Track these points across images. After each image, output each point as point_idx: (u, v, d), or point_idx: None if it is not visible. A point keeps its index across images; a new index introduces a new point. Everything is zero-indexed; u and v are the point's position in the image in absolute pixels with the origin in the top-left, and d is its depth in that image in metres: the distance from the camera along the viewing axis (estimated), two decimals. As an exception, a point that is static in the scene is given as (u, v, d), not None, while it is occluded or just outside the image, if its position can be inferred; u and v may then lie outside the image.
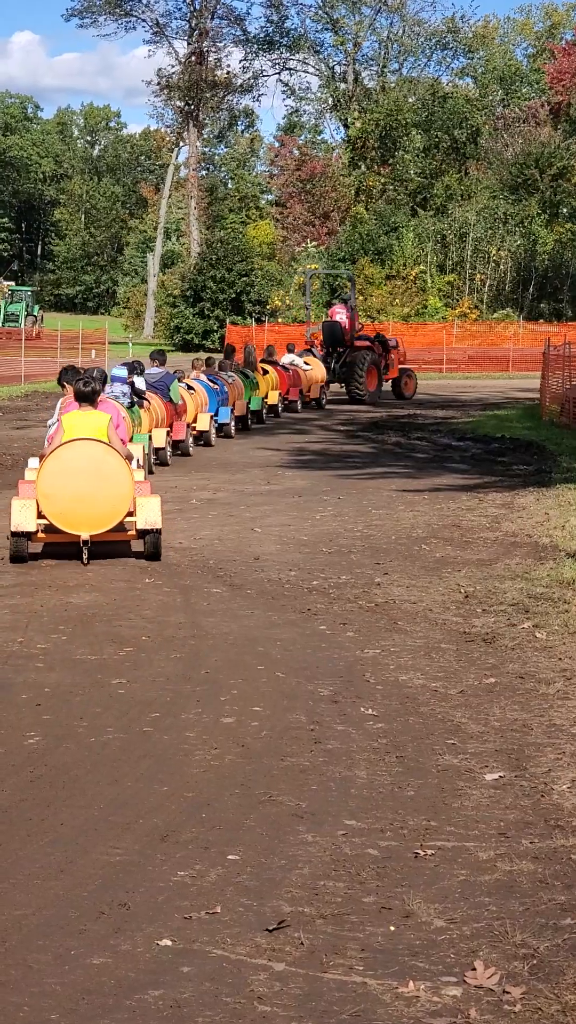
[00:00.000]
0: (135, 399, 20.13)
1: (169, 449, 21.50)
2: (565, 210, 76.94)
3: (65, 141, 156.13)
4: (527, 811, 6.38)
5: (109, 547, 13.26)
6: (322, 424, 29.28)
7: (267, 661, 9.13)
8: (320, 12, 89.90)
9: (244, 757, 7.12)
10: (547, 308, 71.87)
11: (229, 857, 5.82)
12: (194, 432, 24.03)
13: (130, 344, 66.02)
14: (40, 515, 12.76)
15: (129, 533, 13.13)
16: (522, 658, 9.16)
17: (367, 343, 38.48)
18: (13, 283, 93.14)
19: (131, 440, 17.29)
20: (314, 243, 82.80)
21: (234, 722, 7.74)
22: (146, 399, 21.11)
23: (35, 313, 76.64)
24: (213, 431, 24.79)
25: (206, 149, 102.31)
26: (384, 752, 7.23)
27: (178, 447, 22.63)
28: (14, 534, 12.72)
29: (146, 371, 22.10)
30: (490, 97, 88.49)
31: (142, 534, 12.98)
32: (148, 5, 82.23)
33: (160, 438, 20.68)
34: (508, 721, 7.77)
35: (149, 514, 12.81)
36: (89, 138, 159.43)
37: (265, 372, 30.96)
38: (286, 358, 34.75)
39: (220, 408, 25.83)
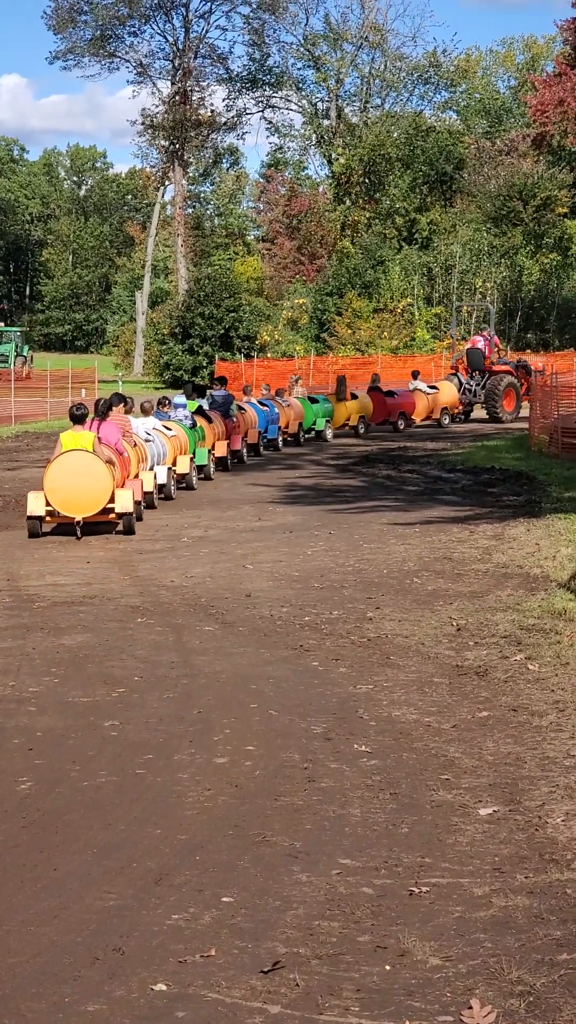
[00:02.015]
0: (194, 420, 25.26)
1: (212, 466, 25.44)
2: (549, 240, 77.22)
3: (52, 182, 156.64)
4: (521, 845, 6.37)
5: (96, 526, 17.76)
6: (314, 459, 29.31)
7: (260, 699, 9.12)
8: (302, 50, 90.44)
9: (237, 797, 7.11)
10: (534, 338, 72.06)
11: (223, 899, 5.80)
12: (247, 444, 29.50)
13: (120, 382, 66.13)
14: (47, 503, 17.35)
15: (111, 516, 17.66)
16: (515, 691, 9.15)
17: (508, 368, 41.93)
18: (2, 324, 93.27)
19: (192, 453, 24.01)
20: (302, 279, 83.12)
21: (227, 762, 7.72)
22: (212, 418, 26.88)
23: (24, 353, 76.67)
24: (261, 445, 30.74)
25: (192, 187, 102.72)
26: (378, 789, 7.22)
27: (235, 456, 27.73)
28: (30, 517, 17.40)
29: (213, 393, 28.78)
30: (473, 130, 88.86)
31: (120, 516, 17.63)
32: (131, 46, 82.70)
33: (184, 464, 23.36)
34: (502, 755, 7.76)
35: (124, 502, 17.57)
36: (76, 178, 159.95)
37: (355, 397, 37.18)
38: (412, 384, 40.47)
39: (269, 426, 31.73)
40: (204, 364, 65.90)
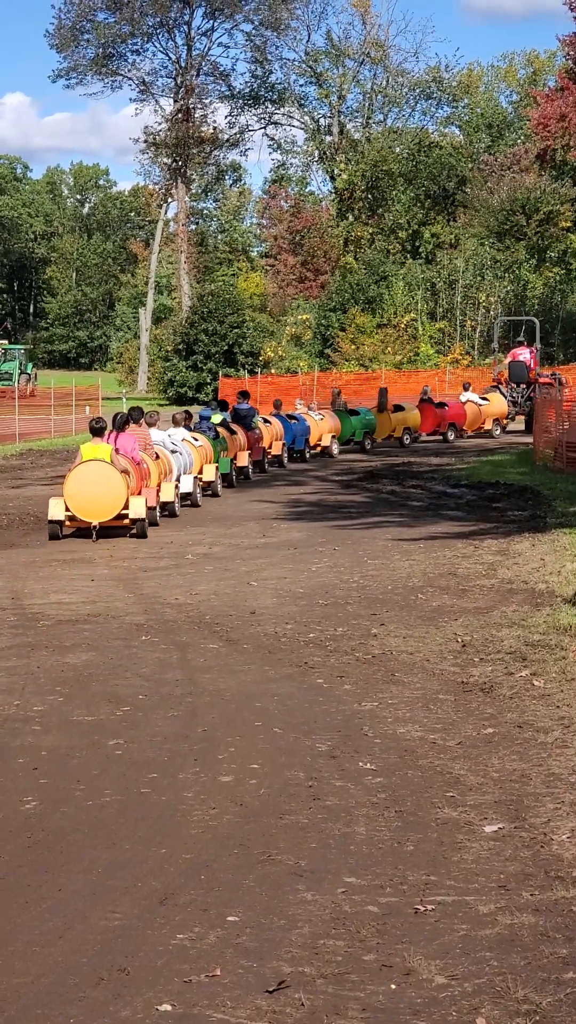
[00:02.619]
0: (217, 431, 26.74)
1: (231, 476, 26.85)
2: (552, 254, 77.30)
3: (55, 200, 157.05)
4: (527, 863, 6.36)
5: (111, 530, 19.08)
6: (318, 475, 29.32)
7: (264, 717, 9.11)
8: (304, 66, 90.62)
9: (242, 816, 7.10)
10: (538, 352, 72.05)
11: (228, 918, 5.79)
12: (269, 456, 31.01)
13: (124, 399, 66.19)
14: (67, 509, 18.82)
15: (124, 521, 18.98)
16: (520, 707, 9.14)
17: (550, 380, 42.36)
18: (6, 342, 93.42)
19: (215, 462, 25.37)
20: (305, 295, 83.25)
21: (232, 780, 7.71)
22: (235, 430, 28.30)
23: (29, 371, 76.81)
24: (285, 455, 31.96)
25: (195, 203, 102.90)
26: (383, 807, 7.21)
27: (257, 466, 29.42)
28: (51, 521, 18.90)
29: (236, 406, 30.07)
30: (476, 145, 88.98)
31: (133, 521, 18.97)
32: (134, 64, 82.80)
33: (210, 472, 24.86)
34: (507, 772, 7.75)
35: (137, 508, 18.94)
36: (79, 196, 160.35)
37: (401, 408, 38.78)
38: (463, 396, 41.31)
39: (297, 438, 33.08)
40: (208, 381, 65.96)
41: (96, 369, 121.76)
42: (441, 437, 39.15)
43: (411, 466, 30.68)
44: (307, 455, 33.73)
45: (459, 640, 11.36)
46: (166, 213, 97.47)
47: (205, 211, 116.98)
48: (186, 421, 25.93)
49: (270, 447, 31.24)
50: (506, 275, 74.73)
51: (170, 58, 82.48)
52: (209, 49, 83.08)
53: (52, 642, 11.84)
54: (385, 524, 19.88)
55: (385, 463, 31.70)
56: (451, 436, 39.11)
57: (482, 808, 7.15)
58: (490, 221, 78.18)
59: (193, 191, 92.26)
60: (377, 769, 7.87)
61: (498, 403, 42.22)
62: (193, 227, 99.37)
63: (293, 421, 33.62)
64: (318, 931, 5.66)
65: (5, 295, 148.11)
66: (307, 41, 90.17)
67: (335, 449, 35.17)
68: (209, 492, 24.44)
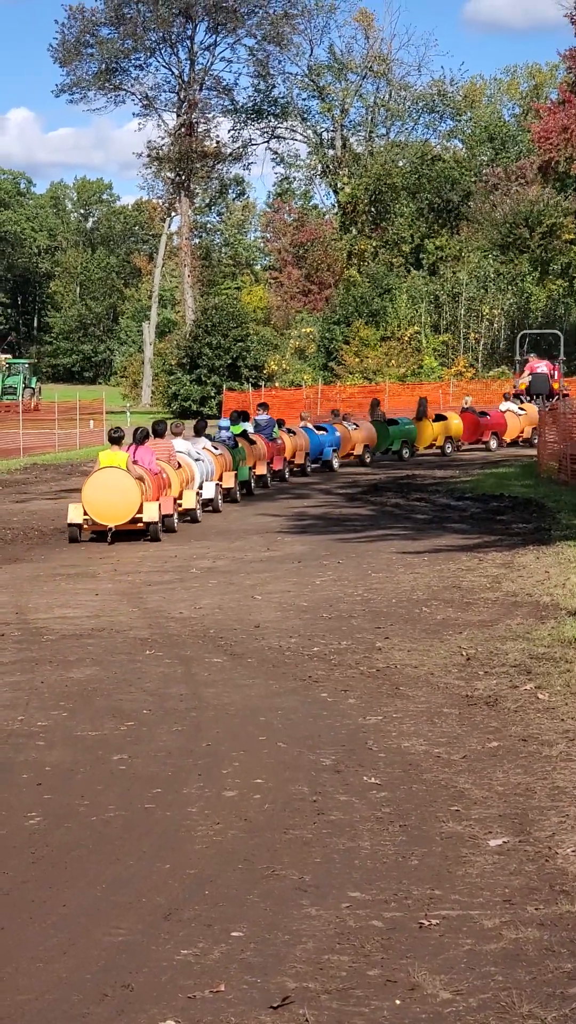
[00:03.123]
0: (236, 441, 27.86)
1: (256, 481, 28.59)
2: (556, 267, 77.34)
3: (59, 215, 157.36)
4: (532, 877, 6.35)
5: (126, 534, 20.21)
6: (322, 488, 29.31)
7: (268, 731, 9.10)
8: (307, 80, 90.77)
9: (247, 831, 7.09)
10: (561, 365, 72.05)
11: (233, 934, 5.78)
12: (295, 466, 32.31)
13: (128, 413, 66.26)
14: (85, 513, 20.07)
15: (139, 524, 20.13)
16: (525, 720, 9.13)
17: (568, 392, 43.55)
18: (10, 356, 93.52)
19: (234, 470, 26.52)
20: (309, 308, 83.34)
21: (236, 795, 7.71)
22: (254, 440, 29.38)
23: (33, 385, 76.89)
24: (309, 465, 33.11)
25: (198, 217, 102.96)
26: (387, 821, 7.20)
27: (276, 475, 30.50)
28: (70, 525, 20.18)
29: (256, 417, 31.73)
30: (479, 158, 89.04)
31: (147, 525, 20.15)
32: (137, 79, 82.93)
33: (230, 479, 26.09)
34: (511, 785, 7.74)
35: (150, 513, 20.11)
36: (82, 211, 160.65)
37: (442, 418, 39.25)
38: (503, 405, 41.69)
39: (324, 448, 34.09)
40: (212, 394, 66.02)
41: (100, 383, 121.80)
42: (483, 446, 39.58)
43: (415, 479, 30.68)
44: (334, 466, 34.31)
45: (463, 653, 11.35)
46: (170, 227, 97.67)
47: (209, 225, 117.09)
48: (202, 432, 26.80)
49: (293, 457, 32.30)
50: (509, 288, 74.77)
51: (173, 73, 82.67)
52: (212, 64, 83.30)
53: (56, 657, 11.84)
54: (389, 537, 19.87)
55: (389, 476, 31.69)
56: (493, 445, 39.47)
57: (487, 822, 7.14)
58: (493, 234, 78.25)
59: (197, 205, 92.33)
60: (381, 783, 7.86)
61: (534, 413, 42.02)
62: (197, 241, 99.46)
63: (322, 432, 34.67)
64: (322, 946, 5.65)
65: (9, 309, 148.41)
66: (310, 55, 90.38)
67: (367, 458, 35.78)
68: (229, 499, 25.79)
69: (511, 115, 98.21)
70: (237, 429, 29.22)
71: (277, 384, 68.14)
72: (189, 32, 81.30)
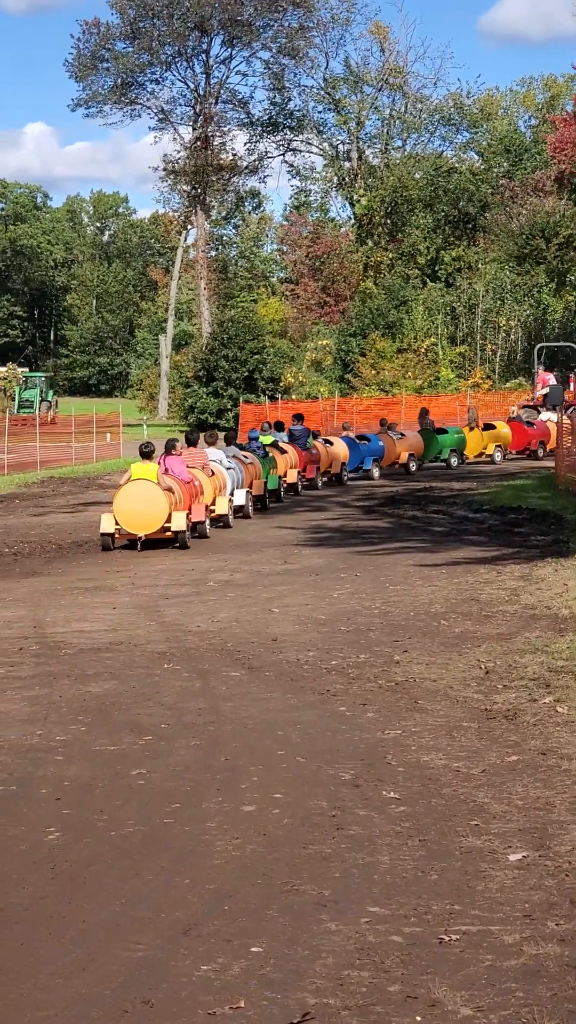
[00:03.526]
0: (266, 450, 29.14)
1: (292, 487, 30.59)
2: (573, 278, 77.24)
3: (75, 228, 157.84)
4: (552, 892, 6.32)
5: (155, 542, 21.02)
6: (339, 500, 29.30)
7: (287, 745, 9.09)
8: (322, 93, 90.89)
9: (266, 846, 7.08)
10: (559, 376, 72.00)
11: (252, 949, 5.77)
12: (330, 475, 33.72)
13: (145, 426, 66.27)
14: (116, 523, 20.94)
15: (167, 533, 21.05)
16: (544, 734, 9.11)
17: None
18: (27, 369, 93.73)
19: (264, 478, 27.74)
20: (325, 321, 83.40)
21: (255, 810, 7.69)
22: (284, 450, 30.82)
23: (50, 399, 77.02)
24: (346, 474, 34.26)
25: (215, 229, 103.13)
26: (407, 836, 7.18)
27: (309, 484, 31.88)
28: (103, 534, 21.07)
29: (291, 428, 33.06)
30: (495, 170, 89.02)
31: (175, 534, 21.05)
32: (153, 93, 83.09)
33: (258, 487, 27.22)
34: (531, 799, 7.71)
35: (178, 522, 21.00)
36: (99, 224, 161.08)
37: (491, 427, 40.35)
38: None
39: (365, 458, 35.37)
40: (228, 407, 66.05)
41: (117, 396, 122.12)
42: (531, 454, 40.68)
43: (432, 491, 30.65)
44: (374, 475, 35.39)
45: (482, 667, 11.33)
46: (186, 240, 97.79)
47: (225, 237, 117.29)
48: (232, 441, 28.04)
49: (329, 466, 33.68)
50: (526, 299, 74.70)
51: (189, 86, 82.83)
52: (227, 77, 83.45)
53: (74, 671, 11.84)
54: (407, 550, 19.85)
55: (406, 488, 31.68)
56: (540, 453, 40.33)
57: (506, 836, 7.12)
58: (510, 245, 78.20)
59: (213, 218, 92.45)
60: (401, 798, 7.85)
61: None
62: (213, 254, 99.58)
63: (364, 442, 35.99)
64: (342, 962, 5.64)
65: (26, 323, 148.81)
66: (325, 68, 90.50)
67: (412, 467, 36.91)
68: (259, 507, 26.98)
69: (527, 126, 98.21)
70: (267, 439, 30.61)
71: (293, 396, 68.14)
72: (204, 46, 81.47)
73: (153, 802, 7.90)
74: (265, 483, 27.69)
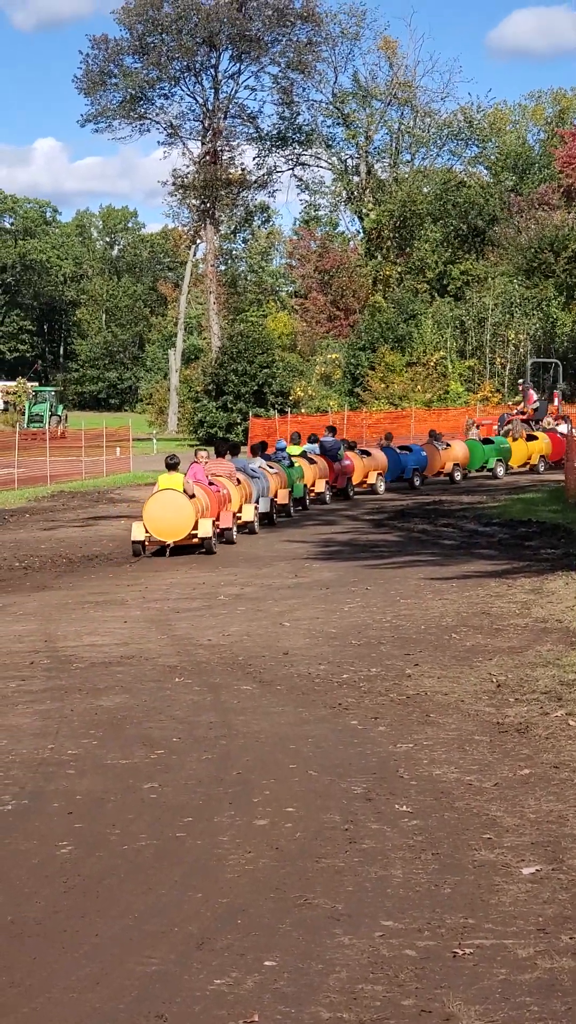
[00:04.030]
0: (292, 460, 30.40)
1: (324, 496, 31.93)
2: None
3: (84, 243, 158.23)
4: (566, 905, 6.31)
5: (183, 548, 22.13)
6: (349, 514, 29.30)
7: (299, 759, 9.08)
8: (331, 107, 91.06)
9: (278, 860, 7.07)
10: (568, 389, 71.98)
11: (266, 963, 5.76)
12: (365, 485, 34.70)
13: (154, 440, 66.41)
14: (146, 530, 22.06)
15: (194, 540, 22.16)
16: (556, 747, 9.09)
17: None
18: (37, 383, 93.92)
19: (289, 487, 28.97)
20: (334, 335, 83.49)
21: (267, 824, 7.68)
22: (313, 460, 32.06)
23: (59, 413, 77.15)
24: (381, 485, 35.07)
25: (224, 243, 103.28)
26: (420, 850, 7.17)
27: (341, 493, 33.07)
28: (134, 541, 22.19)
29: (322, 439, 34.06)
30: (503, 183, 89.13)
31: (201, 540, 22.15)
32: (162, 108, 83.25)
33: (284, 496, 28.48)
34: (544, 813, 7.70)
35: (204, 529, 22.12)
36: (108, 239, 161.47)
37: (534, 438, 41.38)
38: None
39: (407, 468, 36.47)
40: (238, 421, 66.10)
41: (126, 410, 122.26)
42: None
43: (442, 504, 30.65)
44: (415, 483, 36.50)
45: (494, 680, 11.32)
46: (195, 254, 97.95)
47: (234, 252, 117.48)
48: (262, 451, 29.51)
49: (365, 477, 34.79)
50: (535, 312, 74.75)
51: (197, 101, 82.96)
52: (236, 92, 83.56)
53: (85, 685, 11.84)
54: (417, 563, 19.84)
55: (416, 502, 31.67)
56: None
57: (519, 850, 7.10)
58: (518, 259, 78.27)
59: (222, 232, 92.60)
60: (413, 811, 7.84)
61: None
62: (222, 268, 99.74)
63: (406, 452, 37.19)
64: (356, 976, 5.63)
65: (35, 337, 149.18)
66: (334, 82, 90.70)
67: (457, 476, 37.93)
68: (284, 515, 28.41)
69: (536, 140, 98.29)
70: (295, 450, 32.09)
71: (303, 410, 68.22)
72: (213, 61, 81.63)
73: (165, 816, 7.90)
74: (290, 492, 28.86)
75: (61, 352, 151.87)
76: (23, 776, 8.87)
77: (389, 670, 12.03)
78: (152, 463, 51.34)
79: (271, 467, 28.41)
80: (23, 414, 75.96)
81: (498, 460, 39.26)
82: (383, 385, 69.92)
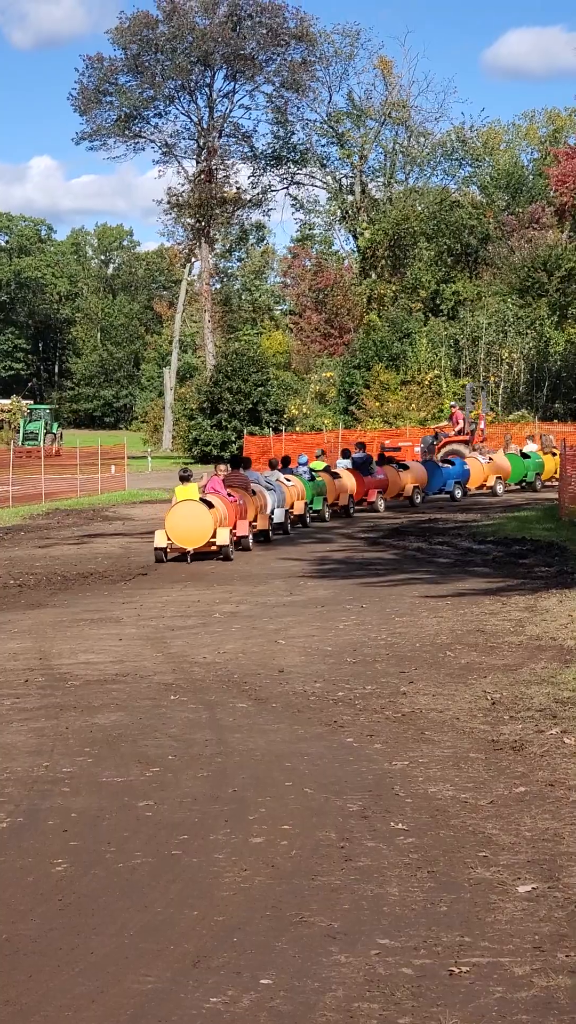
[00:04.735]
0: (313, 474, 32.52)
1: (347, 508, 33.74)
2: (574, 311, 77.43)
3: (79, 261, 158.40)
4: (561, 923, 6.31)
5: (203, 555, 23.68)
6: (344, 532, 29.31)
7: (295, 777, 9.08)
8: (326, 127, 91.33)
9: (274, 878, 7.06)
10: (562, 408, 72.09)
11: (262, 981, 5.75)
12: (402, 498, 36.77)
13: (149, 458, 66.40)
14: (168, 539, 23.52)
15: (213, 547, 23.68)
16: (551, 765, 9.09)
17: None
18: (32, 401, 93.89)
19: (308, 499, 31.16)
20: (329, 353, 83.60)
21: (263, 842, 7.68)
22: (338, 475, 34.06)
23: (54, 431, 77.15)
24: (418, 497, 37.02)
25: (219, 262, 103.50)
26: (415, 867, 7.16)
27: (371, 506, 34.76)
28: (156, 548, 23.68)
29: (354, 455, 35.99)
30: (496, 203, 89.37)
31: (219, 547, 23.74)
32: (157, 126, 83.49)
33: (300, 507, 30.47)
34: (539, 831, 7.70)
35: (222, 537, 23.77)
36: (103, 257, 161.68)
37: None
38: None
39: (448, 480, 38.48)
40: (232, 439, 66.14)
41: (122, 428, 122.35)
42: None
43: (437, 523, 30.66)
44: (456, 496, 38.40)
45: (489, 698, 11.32)
46: (190, 273, 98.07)
47: (229, 270, 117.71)
48: (285, 466, 32.20)
49: (403, 490, 36.72)
50: (528, 332, 74.88)
51: (192, 120, 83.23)
52: (231, 111, 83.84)
53: (81, 702, 11.83)
54: (412, 581, 19.85)
55: (411, 520, 31.70)
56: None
57: (515, 868, 7.10)
58: (512, 278, 78.44)
59: (217, 251, 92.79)
60: (409, 829, 7.83)
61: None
62: (217, 286, 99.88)
63: (447, 465, 39.21)
64: (352, 994, 5.62)
65: (31, 355, 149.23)
66: (329, 102, 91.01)
67: (499, 489, 39.90)
68: (300, 526, 30.31)
69: (529, 160, 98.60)
70: (319, 465, 34.04)
71: (298, 428, 68.27)
72: (208, 79, 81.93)
73: (161, 834, 7.89)
74: (307, 504, 30.93)
75: (56, 370, 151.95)
76: (18, 794, 8.86)
77: (384, 688, 12.03)
78: (147, 481, 51.39)
79: (288, 480, 30.43)
80: (18, 432, 75.95)
81: (537, 474, 41.06)
82: (378, 403, 70.00)
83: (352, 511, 33.79)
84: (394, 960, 5.95)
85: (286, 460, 33.52)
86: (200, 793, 8.74)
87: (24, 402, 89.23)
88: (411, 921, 6.40)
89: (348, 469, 35.03)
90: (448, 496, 38.32)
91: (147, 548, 25.89)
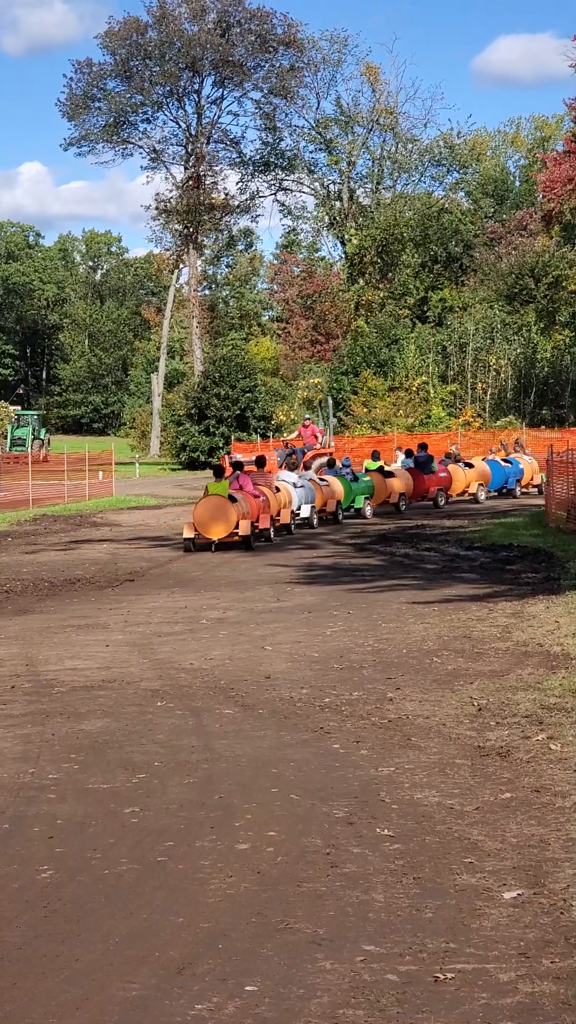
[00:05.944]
0: (355, 474, 35.61)
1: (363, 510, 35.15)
2: (561, 317, 77.60)
3: (67, 267, 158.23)
4: (547, 929, 6.31)
5: (227, 545, 26.48)
6: (332, 538, 29.32)
7: (281, 783, 9.07)
8: (314, 133, 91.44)
9: (260, 884, 7.06)
10: (549, 414, 72.23)
11: (247, 988, 5.75)
12: (468, 495, 39.63)
13: (136, 464, 66.36)
14: (195, 529, 26.33)
15: (235, 538, 26.31)
16: (537, 771, 9.10)
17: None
18: (19, 407, 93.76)
19: (346, 499, 33.88)
20: (317, 359, 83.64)
21: (249, 848, 7.67)
22: (392, 474, 36.39)
23: (42, 436, 77.05)
24: (482, 494, 39.89)
25: (207, 268, 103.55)
26: (401, 874, 7.16)
27: (434, 503, 37.70)
28: (184, 539, 26.51)
29: (416, 455, 38.79)
30: (483, 210, 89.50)
31: (242, 538, 26.37)
32: (145, 132, 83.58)
33: (332, 505, 33.18)
34: (525, 837, 7.70)
35: (244, 528, 26.33)
36: (91, 263, 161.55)
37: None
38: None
39: (509, 479, 41.72)
40: (220, 445, 66.13)
41: (110, 434, 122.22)
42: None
43: (424, 529, 30.68)
44: (516, 493, 41.75)
45: (475, 704, 11.33)
46: (178, 279, 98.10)
47: (217, 276, 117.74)
48: (331, 466, 35.91)
49: (467, 487, 39.59)
50: (516, 338, 74.99)
51: (180, 126, 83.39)
52: (219, 117, 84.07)
53: (67, 709, 11.82)
54: (399, 587, 19.86)
55: (398, 526, 31.71)
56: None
57: (501, 874, 7.10)
58: (499, 285, 78.56)
59: (205, 257, 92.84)
60: (395, 835, 7.83)
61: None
62: (205, 292, 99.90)
63: (507, 464, 41.96)
64: (337, 1000, 5.61)
65: (18, 361, 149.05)
66: (316, 108, 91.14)
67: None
68: (332, 519, 32.97)
69: (516, 166, 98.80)
70: (373, 465, 37.20)
71: (285, 434, 68.26)
72: (196, 86, 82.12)
73: (146, 840, 7.88)
74: (338, 503, 33.29)
75: (44, 376, 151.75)
76: (3, 800, 8.84)
77: (371, 694, 12.03)
78: (135, 487, 51.38)
79: (323, 480, 33.40)
80: (5, 438, 75.85)
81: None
82: (365, 410, 70.04)
83: (403, 508, 36.01)
84: (379, 967, 5.95)
85: (331, 462, 36.82)
86: (186, 800, 8.74)
87: (12, 408, 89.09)
88: (396, 927, 6.40)
89: (407, 468, 37.73)
90: (432, 504, 38.31)
91: (134, 554, 25.88)
